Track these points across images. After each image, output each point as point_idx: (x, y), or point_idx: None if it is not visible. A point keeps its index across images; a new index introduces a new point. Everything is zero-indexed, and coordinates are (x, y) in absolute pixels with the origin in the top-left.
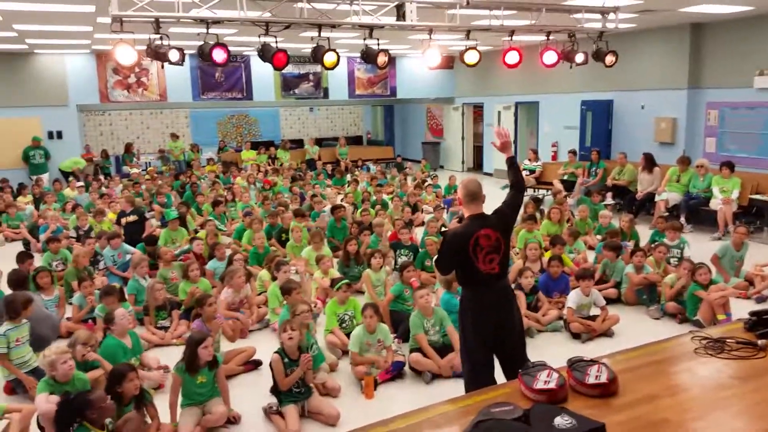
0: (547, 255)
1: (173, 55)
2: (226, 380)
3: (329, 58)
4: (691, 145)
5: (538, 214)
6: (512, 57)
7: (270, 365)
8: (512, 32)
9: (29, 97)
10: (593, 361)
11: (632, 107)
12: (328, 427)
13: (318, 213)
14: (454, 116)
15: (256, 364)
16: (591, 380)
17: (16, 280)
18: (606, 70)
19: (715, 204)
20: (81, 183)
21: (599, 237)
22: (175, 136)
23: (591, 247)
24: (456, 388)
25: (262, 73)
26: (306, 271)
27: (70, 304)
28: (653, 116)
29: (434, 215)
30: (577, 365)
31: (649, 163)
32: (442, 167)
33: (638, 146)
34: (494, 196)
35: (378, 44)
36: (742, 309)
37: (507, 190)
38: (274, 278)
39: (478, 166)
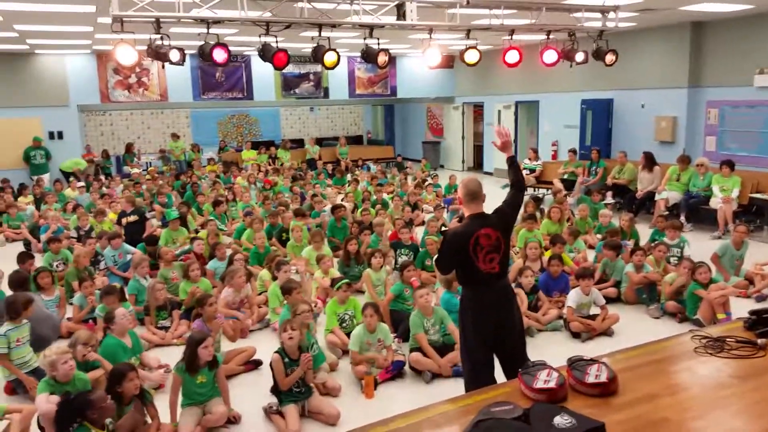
0: (547, 254)
1: (174, 55)
2: (227, 380)
3: (329, 58)
4: (691, 144)
5: (538, 214)
6: (512, 56)
7: (270, 365)
8: (512, 31)
9: (30, 98)
10: (593, 361)
11: (632, 106)
12: (328, 427)
13: (318, 212)
14: (454, 115)
15: (256, 364)
16: (591, 379)
17: (17, 281)
18: (606, 69)
19: (715, 203)
20: (82, 183)
21: (599, 236)
22: (175, 136)
23: (591, 246)
24: (456, 387)
25: (263, 73)
26: (306, 270)
27: (71, 304)
28: (653, 115)
29: (434, 215)
30: (576, 364)
31: (649, 162)
32: (442, 166)
33: (638, 145)
34: (494, 196)
35: (378, 44)
36: (742, 308)
37: (507, 190)
38: (274, 278)
39: (478, 165)
